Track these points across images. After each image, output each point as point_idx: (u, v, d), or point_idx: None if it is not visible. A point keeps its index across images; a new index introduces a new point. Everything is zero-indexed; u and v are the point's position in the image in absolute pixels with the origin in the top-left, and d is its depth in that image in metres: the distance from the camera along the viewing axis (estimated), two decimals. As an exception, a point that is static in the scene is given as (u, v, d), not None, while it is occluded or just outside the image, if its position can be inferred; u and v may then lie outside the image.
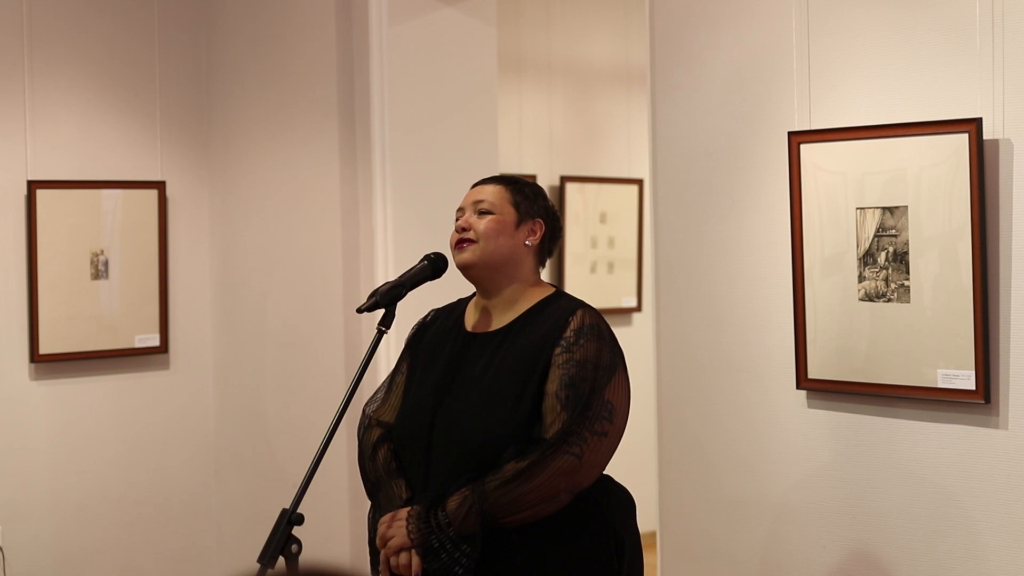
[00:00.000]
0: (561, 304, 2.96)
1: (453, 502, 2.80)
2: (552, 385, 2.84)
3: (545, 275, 3.13)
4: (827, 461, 3.52)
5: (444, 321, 3.11)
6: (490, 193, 3.01)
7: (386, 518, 2.88)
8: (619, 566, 2.90)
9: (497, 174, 3.13)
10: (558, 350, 2.86)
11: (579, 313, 2.90)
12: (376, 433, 3.06)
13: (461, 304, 3.12)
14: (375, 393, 3.16)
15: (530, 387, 2.85)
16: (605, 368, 2.85)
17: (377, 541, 2.89)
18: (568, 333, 2.87)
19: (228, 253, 5.34)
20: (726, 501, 3.77)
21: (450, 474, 2.85)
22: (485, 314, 3.02)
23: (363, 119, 4.76)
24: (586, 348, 2.85)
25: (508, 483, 2.77)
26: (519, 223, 3.00)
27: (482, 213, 2.98)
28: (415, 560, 2.81)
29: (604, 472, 2.96)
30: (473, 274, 3.00)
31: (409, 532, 2.82)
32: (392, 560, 2.84)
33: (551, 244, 3.07)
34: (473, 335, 3.01)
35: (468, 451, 2.85)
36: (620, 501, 2.97)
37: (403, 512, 2.85)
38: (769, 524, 3.66)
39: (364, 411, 3.12)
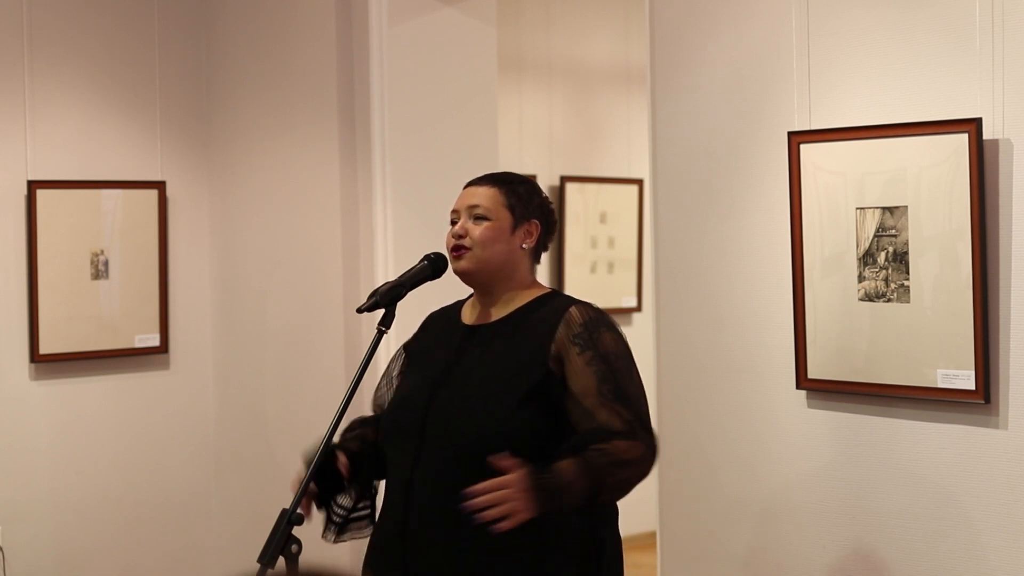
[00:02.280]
0: (557, 302, 2.97)
1: (566, 473, 2.75)
2: (589, 383, 2.84)
3: (545, 275, 3.14)
4: (827, 461, 3.52)
5: (441, 317, 3.12)
6: (484, 196, 2.99)
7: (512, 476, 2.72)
8: (597, 567, 2.90)
9: (489, 173, 3.11)
10: (576, 349, 2.86)
11: (579, 309, 2.92)
12: (369, 418, 3.13)
13: (459, 303, 3.13)
14: (378, 388, 3.17)
15: (524, 378, 2.86)
16: (625, 355, 2.91)
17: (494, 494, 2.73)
18: (579, 330, 2.87)
19: (228, 253, 5.34)
20: (726, 501, 3.77)
21: (441, 462, 2.85)
22: (482, 309, 3.03)
23: (363, 119, 4.76)
24: (604, 339, 2.89)
25: (620, 464, 2.80)
26: (515, 227, 2.99)
27: (477, 219, 2.98)
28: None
29: None
30: (470, 280, 3.01)
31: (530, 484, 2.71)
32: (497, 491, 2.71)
33: (547, 240, 3.07)
34: (469, 328, 3.02)
35: (460, 442, 2.85)
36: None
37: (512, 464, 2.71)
38: (769, 524, 3.66)
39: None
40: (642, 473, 2.85)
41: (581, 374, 2.85)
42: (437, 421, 2.90)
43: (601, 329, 2.89)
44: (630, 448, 2.81)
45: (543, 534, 2.84)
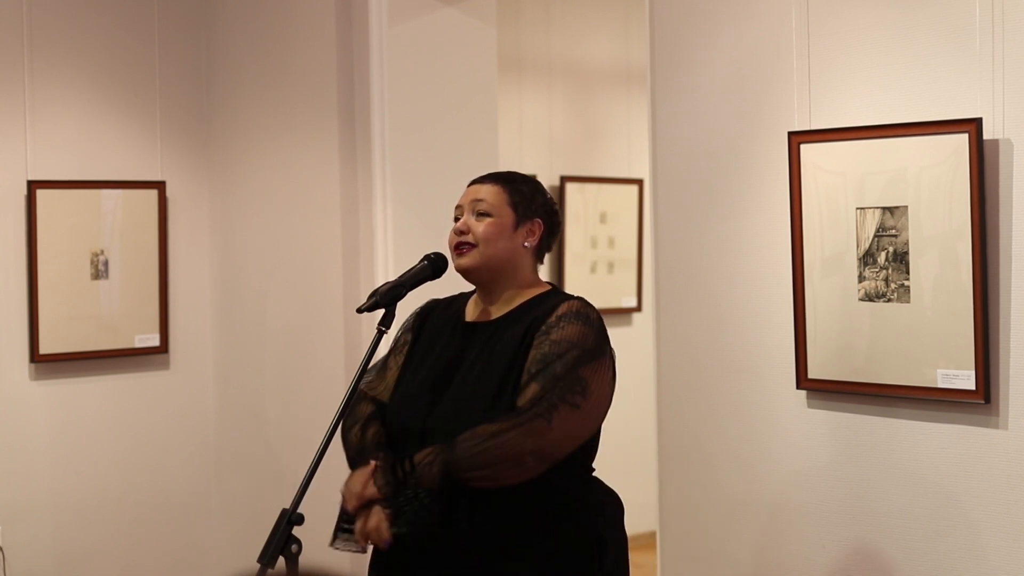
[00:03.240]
0: (554, 300, 2.97)
1: (420, 453, 2.81)
2: (528, 363, 2.84)
3: (545, 275, 3.14)
4: (827, 461, 3.52)
5: (445, 310, 3.12)
6: (488, 193, 3.00)
7: (358, 472, 2.88)
8: (600, 567, 2.89)
9: (493, 172, 3.12)
10: (538, 333, 2.87)
11: (569, 303, 2.92)
12: (368, 408, 3.05)
13: (463, 297, 3.13)
14: (371, 366, 3.14)
15: (513, 372, 2.86)
16: (587, 350, 2.84)
17: (350, 501, 2.88)
18: (552, 319, 2.88)
19: (228, 253, 5.34)
20: (726, 501, 3.77)
21: None
22: (484, 307, 3.04)
23: (363, 119, 4.76)
24: (565, 330, 2.85)
25: (476, 436, 2.77)
26: (518, 225, 3.00)
27: (480, 215, 2.98)
28: (383, 523, 2.80)
29: (592, 475, 2.97)
30: (472, 277, 3.01)
31: (375, 480, 2.82)
32: (363, 524, 2.83)
33: (550, 240, 3.07)
34: (470, 326, 3.03)
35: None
36: (606, 502, 2.97)
37: (370, 465, 2.86)
38: (769, 524, 3.67)
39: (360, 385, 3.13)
40: (511, 445, 2.75)
41: (529, 356, 2.85)
42: (438, 420, 2.90)
43: (573, 320, 2.87)
44: (505, 421, 2.77)
45: (546, 534, 2.84)
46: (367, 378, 3.10)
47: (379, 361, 3.16)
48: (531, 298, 3.00)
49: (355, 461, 2.99)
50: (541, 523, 2.85)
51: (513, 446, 2.75)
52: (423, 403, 2.95)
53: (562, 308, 2.90)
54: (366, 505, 2.86)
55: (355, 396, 3.06)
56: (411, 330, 3.13)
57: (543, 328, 2.87)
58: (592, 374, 2.83)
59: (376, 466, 2.85)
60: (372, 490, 2.84)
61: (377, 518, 2.83)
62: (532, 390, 2.80)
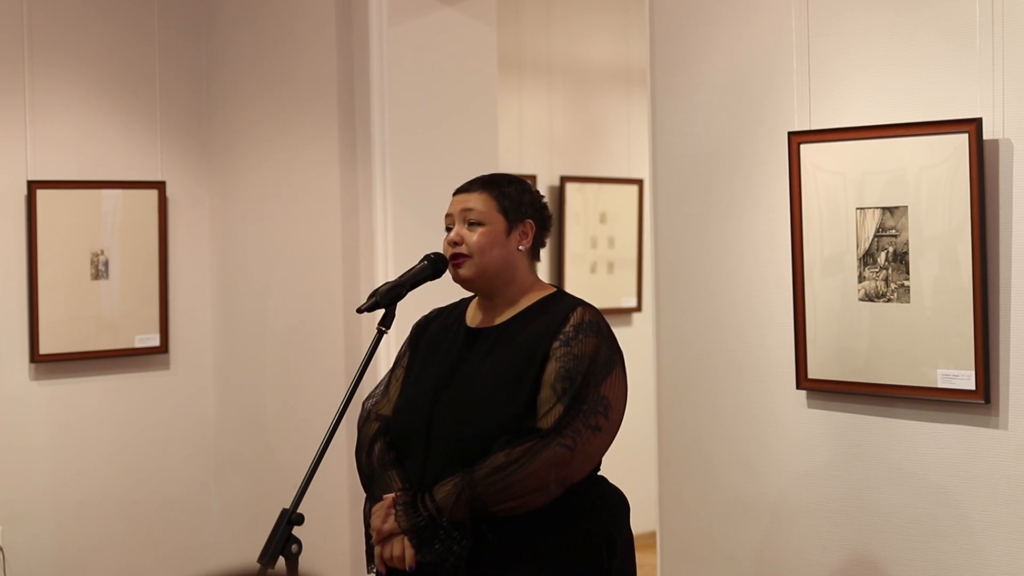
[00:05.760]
0: (562, 302, 2.97)
1: (442, 490, 2.81)
2: (548, 377, 2.84)
3: (545, 276, 3.14)
4: (827, 461, 3.52)
5: (446, 318, 3.12)
6: (477, 202, 2.99)
7: (377, 508, 2.89)
8: (609, 566, 2.90)
9: (477, 177, 3.10)
10: (556, 344, 2.86)
11: (579, 310, 2.91)
12: (374, 427, 3.07)
13: (464, 302, 3.13)
14: (375, 388, 3.17)
15: (527, 380, 2.86)
16: (602, 364, 2.86)
17: (373, 535, 2.90)
18: (568, 328, 2.88)
19: (228, 253, 5.34)
20: (726, 501, 3.77)
21: (447, 465, 2.86)
22: (486, 312, 3.04)
23: (363, 119, 4.76)
24: (584, 343, 2.86)
25: (498, 471, 2.78)
26: (510, 230, 2.99)
27: (472, 224, 2.98)
28: (408, 552, 2.81)
29: (599, 473, 2.97)
30: (471, 287, 3.02)
31: (396, 518, 2.82)
32: (386, 551, 2.84)
33: (543, 237, 3.07)
34: (473, 331, 3.02)
35: (465, 443, 2.86)
36: (613, 502, 2.97)
37: (389, 498, 2.86)
38: (769, 524, 3.67)
39: (364, 405, 3.13)
40: (537, 477, 2.77)
41: (548, 369, 2.85)
42: (442, 427, 2.91)
43: (589, 333, 2.88)
44: (527, 451, 2.77)
45: (557, 535, 2.84)
46: (372, 400, 3.12)
47: (382, 379, 3.17)
48: (536, 301, 2.99)
49: (367, 486, 3.01)
50: (552, 525, 2.85)
51: (537, 478, 2.78)
52: (426, 407, 2.95)
53: (575, 317, 2.90)
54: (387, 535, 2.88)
55: (363, 417, 3.09)
56: (409, 344, 3.14)
57: (561, 339, 2.87)
58: (611, 389, 2.86)
59: (395, 502, 2.85)
60: (392, 525, 2.84)
61: (401, 546, 2.83)
62: (556, 412, 2.81)
